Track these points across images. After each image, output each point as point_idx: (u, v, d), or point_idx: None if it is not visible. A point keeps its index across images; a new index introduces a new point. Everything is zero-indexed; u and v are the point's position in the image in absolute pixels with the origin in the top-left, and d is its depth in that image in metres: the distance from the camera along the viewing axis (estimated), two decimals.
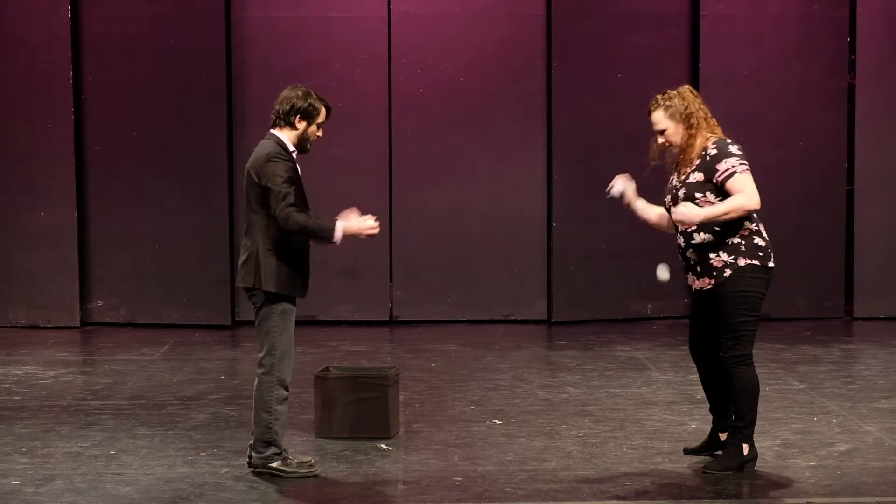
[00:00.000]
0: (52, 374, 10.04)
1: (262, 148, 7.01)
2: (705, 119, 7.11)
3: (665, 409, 8.67)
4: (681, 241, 7.13)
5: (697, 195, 7.00)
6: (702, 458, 7.32)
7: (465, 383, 9.61)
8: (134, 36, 12.19)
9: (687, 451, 7.44)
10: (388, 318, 12.50)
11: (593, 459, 7.39)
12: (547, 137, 12.42)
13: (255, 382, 7.05)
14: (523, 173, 12.47)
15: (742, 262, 6.98)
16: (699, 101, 7.15)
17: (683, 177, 7.09)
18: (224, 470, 7.17)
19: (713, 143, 7.05)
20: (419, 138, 12.42)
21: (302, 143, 7.04)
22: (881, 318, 12.52)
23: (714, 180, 6.98)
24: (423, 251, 12.49)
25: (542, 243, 12.52)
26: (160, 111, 12.21)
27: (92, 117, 12.25)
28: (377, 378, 7.93)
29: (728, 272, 6.98)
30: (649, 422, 8.30)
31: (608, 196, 7.46)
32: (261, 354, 7.03)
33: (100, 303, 12.38)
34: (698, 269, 7.07)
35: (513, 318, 12.52)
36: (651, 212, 7.38)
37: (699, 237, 7.02)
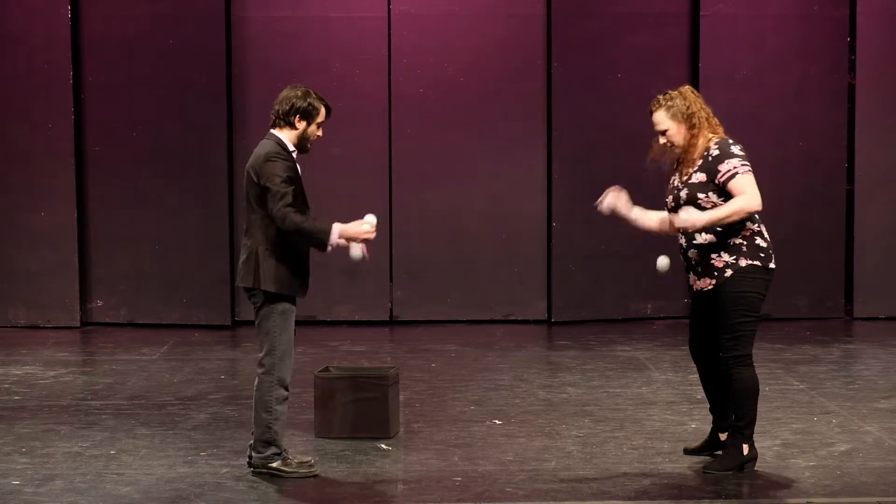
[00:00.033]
0: (52, 374, 10.04)
1: (262, 148, 7.02)
2: (707, 119, 7.10)
3: (665, 409, 8.67)
4: (682, 241, 7.13)
5: (700, 196, 6.99)
6: (702, 458, 7.32)
7: (465, 383, 9.61)
8: (134, 36, 12.19)
9: (687, 451, 7.44)
10: (388, 318, 12.50)
11: (593, 459, 7.39)
12: (547, 137, 12.42)
13: (256, 382, 7.05)
14: (523, 173, 12.47)
15: (743, 262, 6.98)
16: (701, 101, 7.14)
17: (685, 177, 7.08)
18: (224, 470, 7.17)
19: (715, 144, 7.05)
20: (419, 138, 12.42)
21: (302, 142, 7.04)
22: (881, 318, 12.51)
23: (716, 181, 6.97)
24: (423, 251, 12.49)
25: (542, 243, 12.51)
26: (160, 111, 12.21)
27: (92, 117, 12.25)
28: (377, 378, 7.93)
29: (729, 272, 6.98)
30: (649, 422, 8.30)
31: (598, 209, 7.44)
32: (261, 354, 7.03)
33: (100, 303, 12.39)
34: (699, 269, 7.07)
35: (513, 318, 12.52)
36: (649, 219, 7.33)
37: (701, 238, 7.02)
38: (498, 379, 9.77)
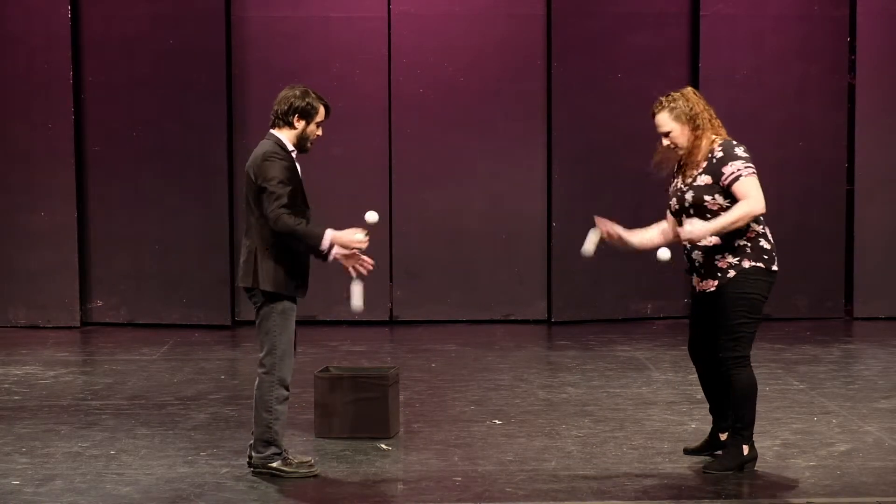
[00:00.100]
0: (52, 374, 10.04)
1: (260, 148, 7.02)
2: (710, 120, 7.08)
3: (665, 409, 8.67)
4: (687, 242, 7.12)
5: (706, 198, 6.98)
6: (702, 458, 7.32)
7: (465, 383, 9.61)
8: (134, 36, 12.19)
9: (687, 451, 7.44)
10: (388, 318, 12.50)
11: (593, 459, 7.38)
12: (547, 137, 12.42)
13: (256, 382, 7.05)
14: (523, 173, 12.47)
15: (747, 263, 6.97)
16: (703, 102, 7.12)
17: (690, 179, 7.05)
18: (224, 470, 7.17)
19: (719, 145, 7.03)
20: (419, 138, 12.42)
21: (301, 142, 7.04)
22: (881, 318, 12.51)
23: (721, 183, 6.96)
24: (423, 251, 12.49)
25: (542, 243, 12.51)
26: (160, 111, 12.21)
27: (92, 117, 12.25)
28: (377, 378, 7.93)
29: (732, 273, 6.97)
30: (649, 422, 8.30)
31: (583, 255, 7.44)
32: (261, 354, 7.03)
33: (100, 303, 12.39)
34: (703, 270, 7.06)
35: (513, 318, 12.52)
36: (650, 237, 7.23)
37: (706, 240, 7.00)
38: (498, 379, 9.77)
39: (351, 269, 7.07)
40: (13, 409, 8.75)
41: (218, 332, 12.01)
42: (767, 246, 7.03)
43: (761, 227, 7.05)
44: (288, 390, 7.04)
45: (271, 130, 7.05)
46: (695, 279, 7.14)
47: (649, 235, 7.28)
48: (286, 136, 7.01)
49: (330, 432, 7.86)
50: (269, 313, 6.97)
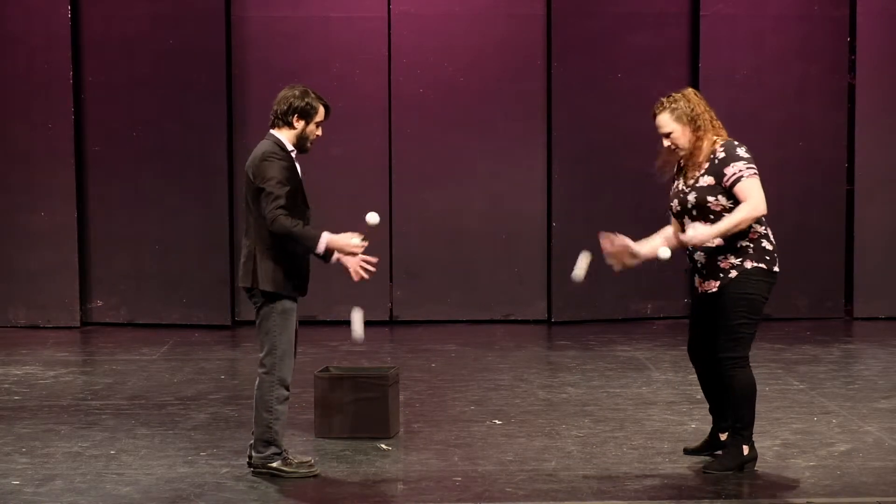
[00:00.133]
0: (52, 374, 10.04)
1: (259, 148, 7.02)
2: (711, 122, 7.08)
3: (665, 409, 8.67)
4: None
5: (709, 199, 6.97)
6: (702, 458, 7.32)
7: (465, 383, 9.60)
8: (134, 36, 12.19)
9: (687, 451, 7.44)
10: (388, 318, 12.50)
11: (593, 459, 7.39)
12: (547, 137, 12.41)
13: (257, 382, 7.05)
14: (523, 173, 12.47)
15: (749, 264, 6.97)
16: (704, 103, 7.11)
17: (692, 181, 7.04)
18: (224, 470, 7.17)
19: (721, 146, 7.02)
20: (419, 138, 12.42)
21: (301, 142, 7.04)
22: (881, 318, 12.51)
23: (723, 184, 6.95)
24: (423, 251, 12.49)
25: (542, 243, 12.51)
26: (160, 111, 12.21)
27: (92, 117, 12.25)
28: (377, 378, 7.93)
29: (734, 273, 6.97)
30: (649, 422, 8.30)
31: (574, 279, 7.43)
32: (261, 354, 7.03)
33: (100, 303, 12.39)
34: (705, 271, 7.05)
35: (513, 318, 12.52)
36: (656, 246, 7.14)
37: (710, 242, 6.99)
38: (498, 379, 9.77)
39: (353, 272, 7.07)
40: (13, 409, 8.75)
41: (218, 332, 12.01)
42: (770, 247, 7.03)
43: (763, 227, 7.04)
44: (288, 390, 7.04)
45: (271, 131, 7.05)
46: (697, 280, 7.14)
47: (656, 244, 7.21)
48: (285, 137, 7.01)
49: (330, 432, 7.86)
50: (270, 313, 6.97)
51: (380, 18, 12.35)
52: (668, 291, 12.35)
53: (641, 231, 12.15)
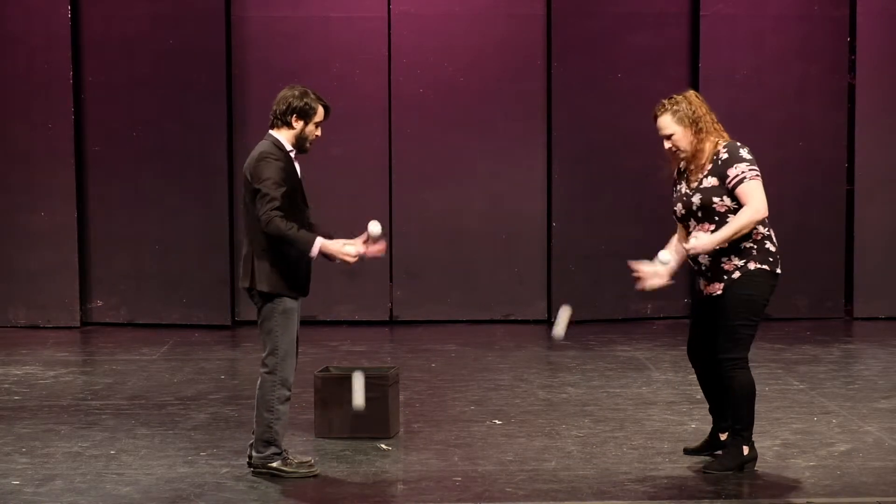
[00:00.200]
0: (52, 374, 10.04)
1: (257, 149, 7.02)
2: (713, 124, 7.07)
3: (665, 409, 8.67)
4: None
5: (715, 199, 6.96)
6: (702, 458, 7.32)
7: (465, 383, 9.60)
8: (134, 36, 12.19)
9: (687, 451, 7.44)
10: (388, 318, 12.50)
11: (593, 459, 7.39)
12: (547, 137, 12.41)
13: (258, 381, 7.05)
14: (523, 173, 12.47)
15: (752, 265, 6.97)
16: (706, 106, 7.11)
17: (696, 183, 7.03)
18: (224, 470, 7.17)
19: (724, 147, 7.01)
20: (419, 138, 12.42)
21: (300, 142, 7.03)
22: (881, 318, 12.51)
23: (726, 185, 6.95)
24: (423, 251, 12.49)
25: (542, 243, 12.51)
26: (160, 111, 12.21)
27: (92, 117, 12.25)
28: (377, 378, 7.92)
29: (737, 274, 6.96)
30: (649, 422, 8.30)
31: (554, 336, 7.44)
32: (263, 354, 7.03)
33: (100, 303, 12.39)
34: (710, 274, 7.05)
35: (513, 318, 12.52)
36: (674, 258, 7.14)
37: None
38: (498, 379, 9.77)
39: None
40: (13, 409, 8.75)
41: (218, 332, 12.01)
42: (773, 248, 7.03)
43: (766, 229, 7.04)
44: (290, 390, 7.04)
45: (270, 131, 7.05)
46: (702, 283, 7.13)
47: (671, 259, 7.13)
48: (284, 137, 7.01)
49: (330, 432, 7.86)
50: (271, 313, 6.97)
51: (380, 18, 12.35)
52: (668, 291, 12.19)
53: (641, 231, 12.19)
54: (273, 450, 7.02)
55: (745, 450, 7.06)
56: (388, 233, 12.31)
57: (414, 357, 10.74)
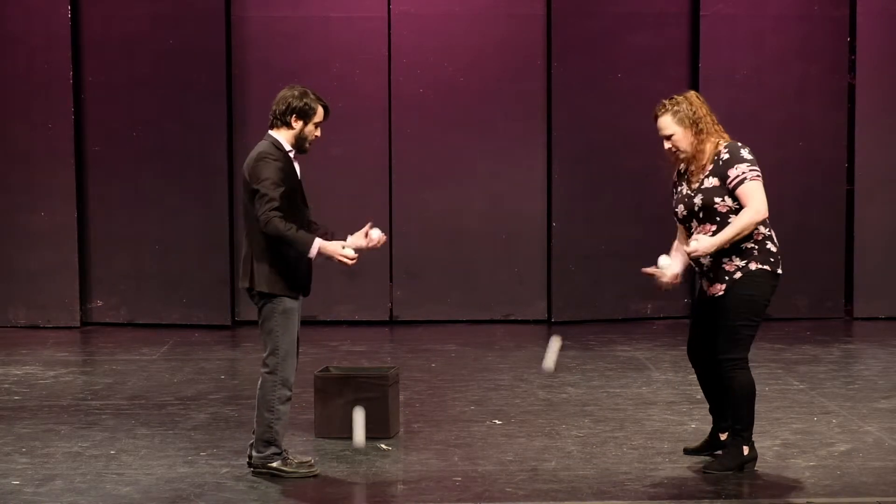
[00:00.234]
0: (52, 374, 10.04)
1: (256, 149, 7.02)
2: (713, 125, 7.07)
3: (665, 409, 8.67)
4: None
5: (716, 200, 6.96)
6: (702, 458, 7.32)
7: (465, 383, 9.60)
8: (134, 36, 12.19)
9: (687, 451, 7.44)
10: (388, 318, 12.50)
11: (593, 459, 7.39)
12: (547, 137, 12.41)
13: (259, 381, 7.05)
14: (523, 173, 12.46)
15: (753, 266, 6.96)
16: (706, 106, 7.10)
17: (697, 184, 7.03)
18: (224, 470, 7.17)
19: (725, 147, 7.01)
20: (419, 138, 12.42)
21: (300, 142, 7.03)
22: (881, 318, 12.51)
23: (727, 185, 6.95)
24: (423, 251, 12.49)
25: (542, 243, 12.51)
26: (160, 111, 12.21)
27: (92, 117, 12.25)
28: (377, 378, 7.93)
29: (738, 275, 6.96)
30: (649, 422, 8.30)
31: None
32: (264, 354, 7.03)
33: (100, 303, 12.38)
34: (712, 274, 7.04)
35: (513, 318, 12.52)
36: (678, 260, 7.17)
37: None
38: (498, 379, 9.77)
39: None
40: (13, 409, 8.75)
41: (218, 332, 12.01)
42: (774, 248, 7.03)
43: (767, 229, 7.04)
44: (291, 390, 7.04)
45: (269, 131, 7.04)
46: (704, 284, 7.13)
47: (675, 261, 7.16)
48: (284, 137, 7.01)
49: (330, 432, 7.86)
50: (271, 313, 6.97)
51: (380, 18, 12.35)
52: (668, 291, 12.26)
53: (641, 231, 12.19)
54: (273, 450, 7.02)
55: (745, 450, 7.06)
56: (389, 233, 12.31)
57: (414, 357, 10.74)
